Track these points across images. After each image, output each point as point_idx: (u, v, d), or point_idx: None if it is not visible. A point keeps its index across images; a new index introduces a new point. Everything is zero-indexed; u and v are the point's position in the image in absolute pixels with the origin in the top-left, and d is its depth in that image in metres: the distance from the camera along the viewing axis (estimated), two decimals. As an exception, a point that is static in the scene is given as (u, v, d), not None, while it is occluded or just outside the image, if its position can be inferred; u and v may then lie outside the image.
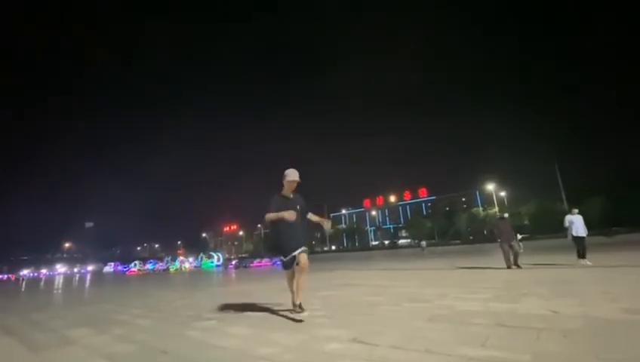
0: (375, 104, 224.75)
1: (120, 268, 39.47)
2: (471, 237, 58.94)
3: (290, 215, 3.19)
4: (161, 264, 33.89)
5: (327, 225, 3.73)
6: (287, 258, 3.35)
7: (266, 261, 28.09)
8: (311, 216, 3.64)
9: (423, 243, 31.90)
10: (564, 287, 4.36)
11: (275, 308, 4.05)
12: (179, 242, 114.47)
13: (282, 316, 3.50)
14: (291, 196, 3.51)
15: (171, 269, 29.99)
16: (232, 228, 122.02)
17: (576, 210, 8.90)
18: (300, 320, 3.13)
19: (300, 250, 3.30)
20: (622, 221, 37.22)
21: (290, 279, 3.47)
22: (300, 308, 3.37)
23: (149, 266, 33.84)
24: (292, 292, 3.47)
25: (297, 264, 3.31)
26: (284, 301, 4.53)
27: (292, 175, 3.46)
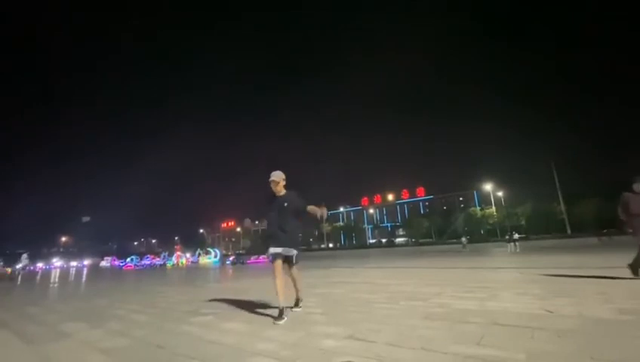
0: (374, 103, 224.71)
1: (117, 262, 39.37)
2: (468, 237, 59.20)
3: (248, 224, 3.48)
4: (158, 259, 33.84)
5: (322, 211, 3.57)
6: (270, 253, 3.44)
7: (263, 257, 28.11)
8: (310, 209, 3.59)
9: (464, 239, 29.93)
10: (559, 287, 4.39)
11: (272, 304, 4.06)
12: (176, 237, 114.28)
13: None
14: (281, 194, 3.58)
15: (168, 265, 29.96)
16: (230, 224, 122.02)
17: None
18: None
19: (285, 252, 3.38)
20: (617, 223, 37.42)
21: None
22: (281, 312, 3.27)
23: (145, 261, 33.80)
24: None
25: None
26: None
27: (272, 176, 3.58)
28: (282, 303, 3.24)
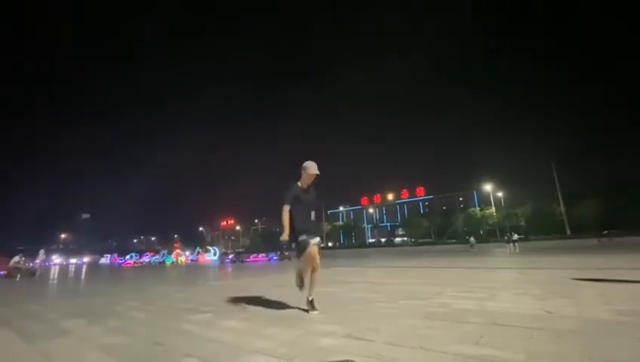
0: (375, 103, 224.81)
1: (116, 260, 39.39)
2: (467, 237, 59.21)
3: (284, 237, 3.36)
4: (157, 257, 33.86)
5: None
6: (302, 239, 3.32)
7: (262, 256, 28.13)
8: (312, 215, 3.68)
9: (472, 239, 30.03)
10: (559, 288, 4.39)
11: (271, 302, 4.06)
12: (175, 235, 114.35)
13: (277, 311, 3.51)
14: (307, 188, 3.54)
15: (167, 262, 29.99)
16: (229, 222, 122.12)
17: None
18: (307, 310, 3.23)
19: (314, 239, 3.35)
20: (617, 224, 37.41)
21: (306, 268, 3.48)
22: (310, 304, 3.39)
23: (145, 259, 33.81)
24: (305, 284, 3.57)
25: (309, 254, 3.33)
26: (279, 296, 4.54)
27: (312, 168, 3.45)
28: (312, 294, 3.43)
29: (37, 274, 15.05)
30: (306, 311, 3.35)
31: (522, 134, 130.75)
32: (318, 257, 3.39)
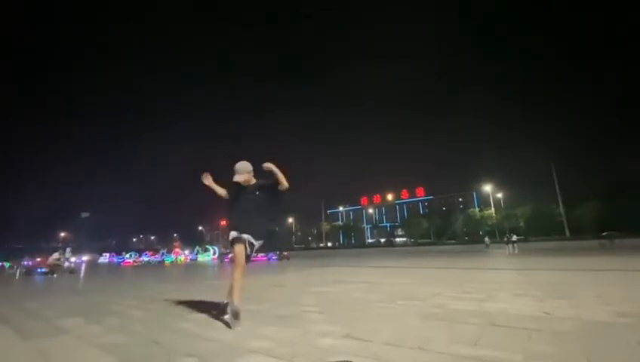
0: (375, 103, 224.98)
1: (115, 258, 39.34)
2: (466, 238, 59.27)
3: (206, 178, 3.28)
4: (156, 256, 33.86)
5: (268, 165, 3.05)
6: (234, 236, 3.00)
7: (261, 255, 28.12)
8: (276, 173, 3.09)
9: (487, 239, 30.14)
10: (557, 289, 4.39)
11: (269, 302, 4.06)
12: (175, 234, 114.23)
13: (276, 310, 3.51)
14: (251, 183, 3.22)
15: (167, 261, 30.01)
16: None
17: None
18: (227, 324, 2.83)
19: (245, 237, 3.00)
20: (616, 226, 37.38)
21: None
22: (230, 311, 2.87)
23: (144, 258, 33.82)
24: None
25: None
26: (278, 295, 4.54)
27: (236, 172, 3.10)
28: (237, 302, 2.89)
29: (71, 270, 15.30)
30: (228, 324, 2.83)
31: (522, 135, 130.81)
32: (242, 258, 2.94)
